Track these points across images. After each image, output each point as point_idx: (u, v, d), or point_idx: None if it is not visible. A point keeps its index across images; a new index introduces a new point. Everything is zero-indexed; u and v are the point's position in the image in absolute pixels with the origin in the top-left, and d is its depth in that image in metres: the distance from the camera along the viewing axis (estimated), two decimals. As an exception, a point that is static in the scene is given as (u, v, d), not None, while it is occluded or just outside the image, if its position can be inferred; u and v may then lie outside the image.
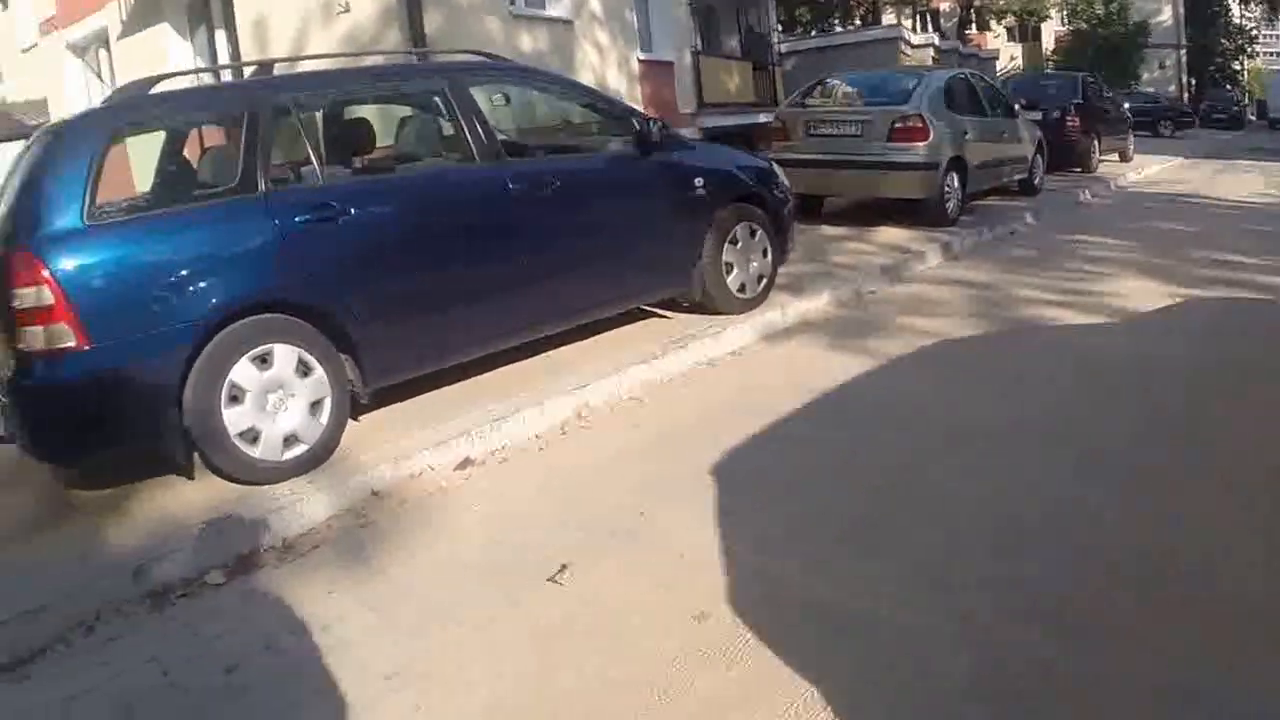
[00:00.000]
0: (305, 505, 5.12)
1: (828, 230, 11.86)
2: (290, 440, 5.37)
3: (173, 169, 6.56)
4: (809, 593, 3.95)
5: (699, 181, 7.29)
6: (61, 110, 21.92)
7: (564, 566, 4.30)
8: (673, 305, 7.80)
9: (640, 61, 19.45)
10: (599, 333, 7.28)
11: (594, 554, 4.40)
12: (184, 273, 5.12)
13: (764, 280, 7.82)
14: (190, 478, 5.43)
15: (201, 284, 5.14)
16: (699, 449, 5.38)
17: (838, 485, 4.89)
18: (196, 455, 5.30)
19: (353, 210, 5.63)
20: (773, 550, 4.31)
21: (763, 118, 21.41)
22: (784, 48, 27.52)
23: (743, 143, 16.13)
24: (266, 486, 5.28)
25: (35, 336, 4.84)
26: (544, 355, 6.92)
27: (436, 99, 6.64)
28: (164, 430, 5.12)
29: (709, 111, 21.49)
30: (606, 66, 18.27)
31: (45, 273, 4.78)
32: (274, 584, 4.61)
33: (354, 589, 4.42)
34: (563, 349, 7.03)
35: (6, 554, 5.13)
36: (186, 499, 5.30)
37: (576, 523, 4.75)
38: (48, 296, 4.78)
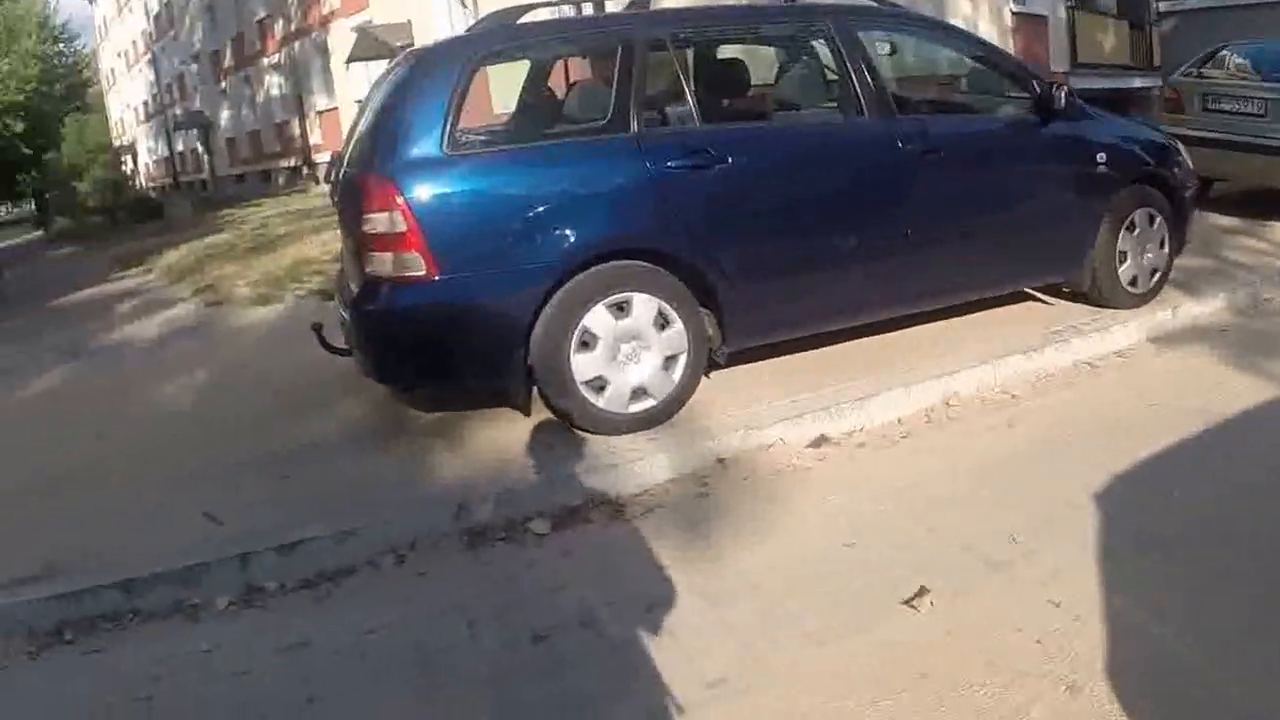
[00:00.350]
0: (645, 464, 4.75)
1: (1217, 220, 10.49)
2: (638, 393, 5.02)
3: (537, 101, 6.30)
4: (1202, 680, 3.11)
5: (1101, 157, 6.35)
6: (425, 34, 22.56)
7: (922, 590, 3.63)
8: (1052, 290, 6.92)
9: (1013, 13, 18.12)
10: (970, 312, 6.51)
11: (957, 580, 3.72)
12: (544, 210, 4.84)
13: (1157, 274, 6.81)
14: (526, 415, 5.19)
15: (563, 223, 4.85)
16: (1081, 468, 4.57)
17: (1246, 543, 3.92)
18: (537, 395, 5.06)
19: (729, 158, 5.15)
20: (1163, 614, 3.47)
21: (1138, 82, 19.68)
22: (1162, 6, 25.23)
23: (1112, 108, 14.71)
24: (606, 438, 4.96)
25: (383, 262, 4.71)
26: (909, 330, 6.24)
27: (821, 43, 6.02)
28: (507, 369, 4.89)
29: (1082, 72, 19.82)
30: (978, 17, 17.11)
31: (399, 199, 4.61)
32: (601, 546, 4.26)
33: (687, 569, 3.96)
34: (930, 325, 6.31)
35: (333, 465, 5.09)
36: (519, 438, 5.07)
37: (940, 537, 4.08)
38: (400, 223, 4.61)
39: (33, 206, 45.54)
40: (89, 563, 4.36)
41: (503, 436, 5.12)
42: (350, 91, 29.53)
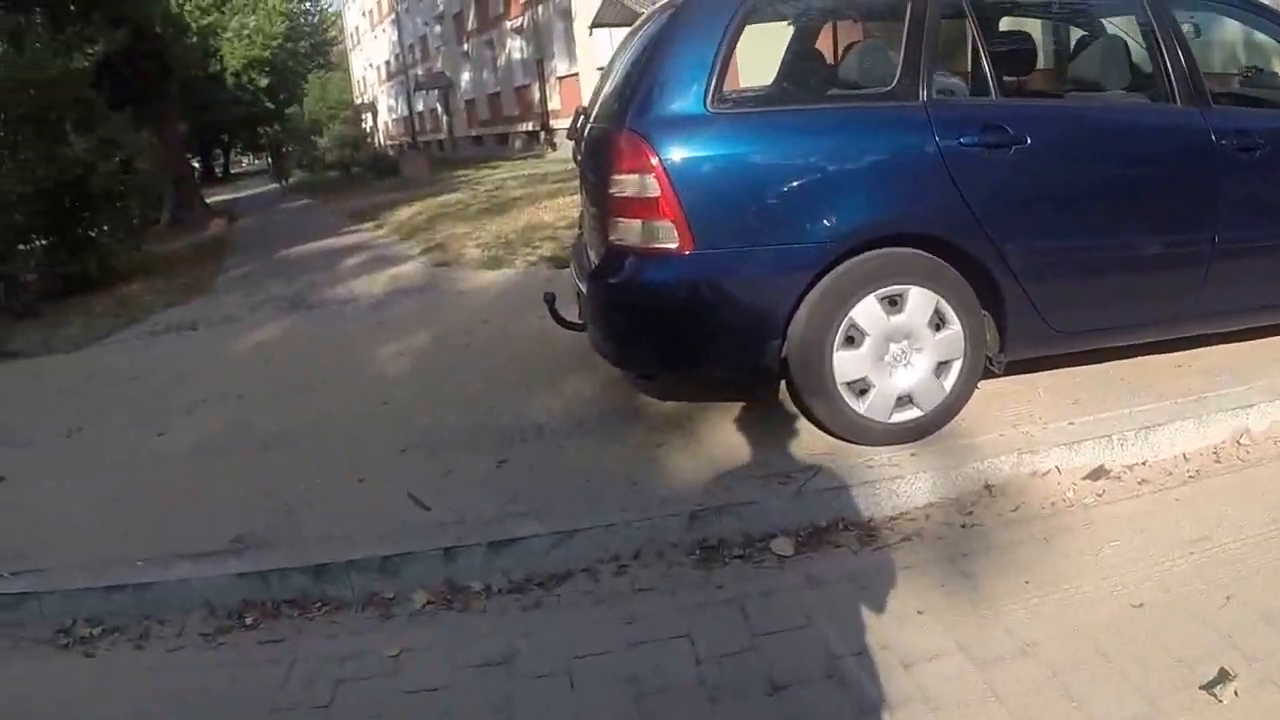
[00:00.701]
0: (904, 484, 4.26)
1: None
2: (903, 401, 4.54)
3: (804, 61, 5.85)
4: None
5: None
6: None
7: (1224, 674, 3.02)
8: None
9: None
10: (1257, 337, 5.70)
11: (1262, 665, 3.08)
12: (818, 182, 4.39)
13: None
14: (772, 413, 4.77)
15: (837, 199, 4.40)
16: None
17: None
18: (785, 392, 4.67)
19: (1028, 138, 4.59)
20: None
21: None
22: None
23: None
24: (860, 449, 4.50)
25: (630, 230, 4.35)
26: (1193, 350, 5.51)
27: (1133, 18, 5.37)
28: (759, 361, 4.47)
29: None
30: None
31: (654, 160, 4.22)
32: (850, 577, 3.77)
33: (949, 617, 3.45)
34: (1215, 348, 5.57)
35: (555, 451, 4.83)
36: (762, 440, 4.66)
37: (1240, 607, 3.43)
38: (652, 187, 4.22)
39: (268, 159, 47.99)
40: (280, 539, 4.24)
41: (743, 436, 4.73)
42: (592, 58, 29.83)
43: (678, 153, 4.24)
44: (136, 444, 5.80)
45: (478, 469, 4.67)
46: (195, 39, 38.22)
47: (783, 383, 4.63)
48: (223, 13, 44.74)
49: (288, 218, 23.35)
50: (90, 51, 16.44)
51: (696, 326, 4.45)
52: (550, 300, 5.34)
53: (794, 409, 4.72)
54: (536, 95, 36.50)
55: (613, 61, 5.38)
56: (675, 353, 4.60)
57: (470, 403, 5.61)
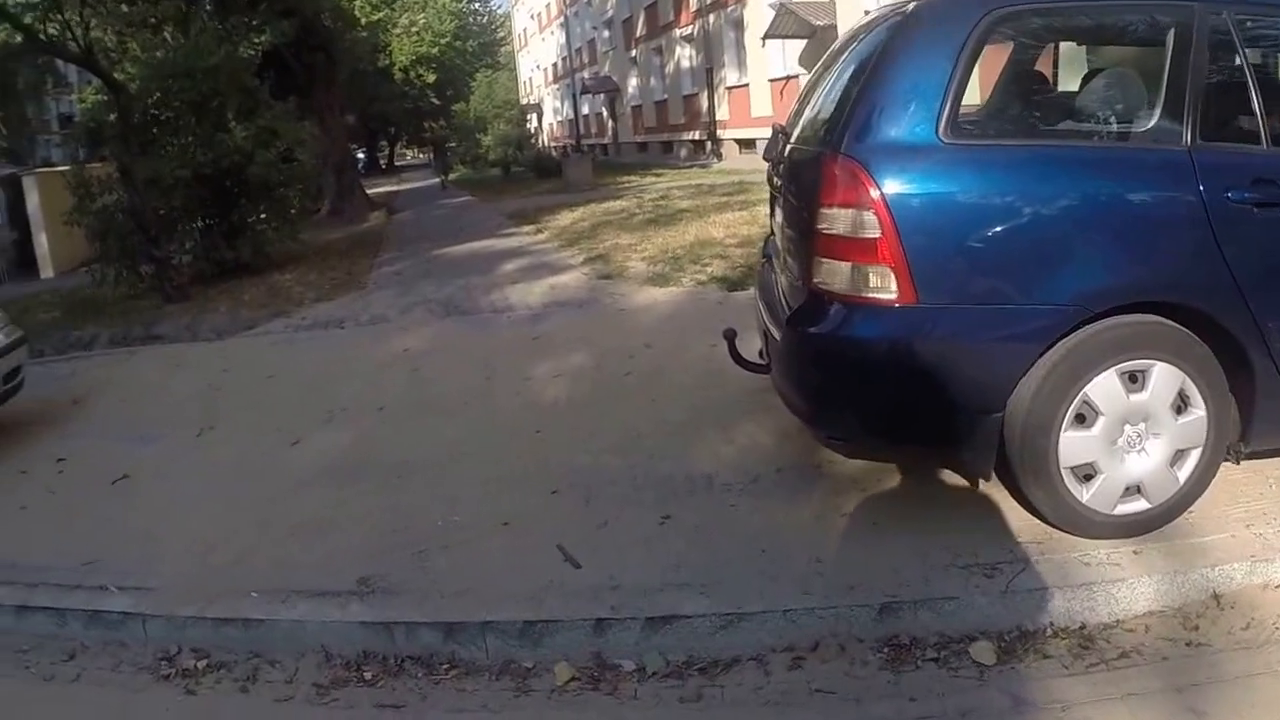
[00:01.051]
0: (1125, 587, 3.67)
1: None
2: (1130, 491, 3.93)
3: (1032, 86, 5.14)
4: None
5: None
6: (848, 14, 21.78)
7: None
8: None
9: None
10: None
11: None
12: (1062, 233, 3.79)
13: None
14: (974, 488, 4.21)
15: (1084, 255, 3.79)
16: None
17: None
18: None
19: None
20: None
21: None
22: None
23: None
24: (1077, 543, 3.92)
25: (838, 274, 3.80)
26: None
27: None
28: (974, 437, 3.87)
29: None
30: None
31: (874, 193, 3.66)
32: (1063, 704, 3.18)
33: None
34: None
35: (726, 510, 4.37)
36: (965, 519, 4.11)
37: None
38: (871, 225, 3.67)
39: (431, 154, 49.05)
40: (410, 585, 3.90)
41: (941, 513, 4.17)
42: (763, 69, 29.53)
43: (903, 186, 3.69)
44: (267, 452, 5.60)
45: (638, 524, 4.24)
46: (364, 34, 39.03)
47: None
48: (392, 9, 45.71)
49: (446, 214, 23.48)
50: (256, 41, 16.67)
51: (908, 392, 3.88)
52: (730, 338, 4.85)
53: (1000, 485, 4.16)
54: (704, 104, 36.26)
55: (815, 78, 4.86)
56: (880, 420, 4.03)
57: (631, 442, 5.19)
